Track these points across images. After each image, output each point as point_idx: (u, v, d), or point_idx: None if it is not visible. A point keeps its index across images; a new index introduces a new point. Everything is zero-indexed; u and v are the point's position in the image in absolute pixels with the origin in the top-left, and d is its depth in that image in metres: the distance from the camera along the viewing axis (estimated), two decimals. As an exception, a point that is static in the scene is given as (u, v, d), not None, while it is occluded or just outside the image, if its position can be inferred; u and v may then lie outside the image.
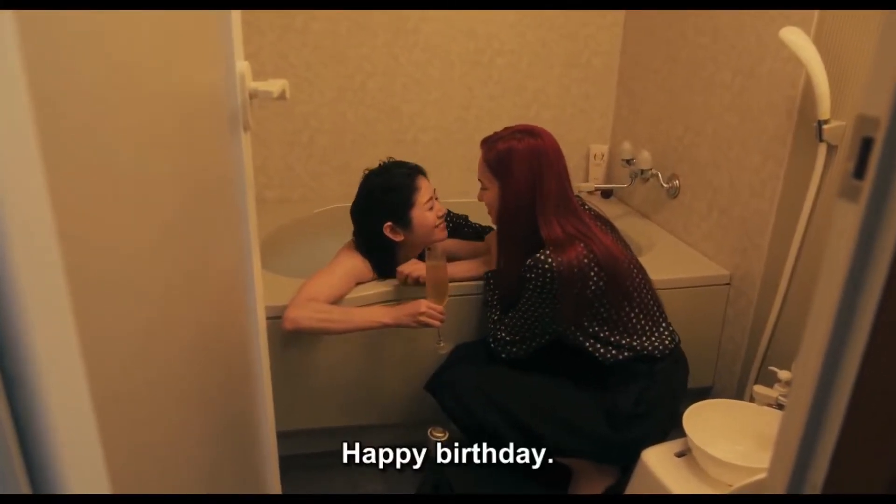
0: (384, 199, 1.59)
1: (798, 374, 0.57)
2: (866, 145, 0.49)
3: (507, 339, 1.49)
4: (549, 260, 1.37)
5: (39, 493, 0.45)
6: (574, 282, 1.38)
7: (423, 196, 1.58)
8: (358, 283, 1.65)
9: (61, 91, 0.46)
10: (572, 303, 1.40)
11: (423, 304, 1.49)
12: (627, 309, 1.45)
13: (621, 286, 1.43)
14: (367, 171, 1.65)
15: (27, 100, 0.39)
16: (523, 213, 1.43)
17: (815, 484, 0.59)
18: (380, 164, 1.65)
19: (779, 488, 0.62)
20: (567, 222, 1.42)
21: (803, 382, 0.54)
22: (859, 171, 0.50)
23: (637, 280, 1.48)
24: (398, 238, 1.61)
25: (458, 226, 1.83)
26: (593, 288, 1.40)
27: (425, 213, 1.58)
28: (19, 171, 0.39)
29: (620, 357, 1.45)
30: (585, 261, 1.38)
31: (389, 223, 1.59)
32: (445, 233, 1.67)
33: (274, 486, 1.19)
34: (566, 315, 1.43)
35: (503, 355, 1.52)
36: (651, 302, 1.50)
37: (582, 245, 1.39)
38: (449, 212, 1.81)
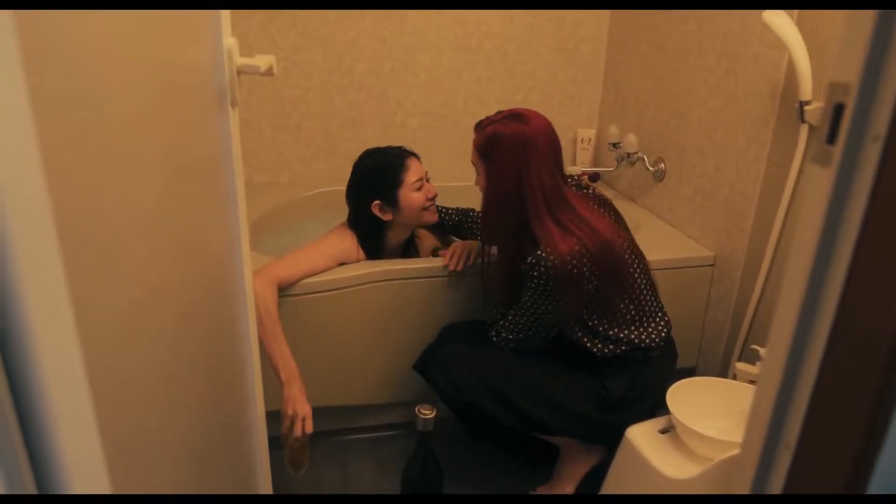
0: (373, 177, 1.62)
1: (773, 334, 0.58)
2: (838, 111, 0.51)
3: (511, 337, 1.50)
4: (551, 258, 1.34)
5: (35, 466, 0.45)
6: (571, 279, 1.36)
7: (411, 176, 1.59)
8: (341, 264, 1.67)
9: (52, 58, 0.46)
10: (573, 299, 1.40)
11: (304, 414, 1.42)
12: (619, 301, 1.45)
13: (615, 278, 1.42)
14: (362, 152, 1.69)
15: (20, 67, 0.40)
16: (508, 202, 1.39)
17: (789, 444, 0.61)
18: (375, 147, 1.68)
19: (754, 450, 0.64)
20: (561, 215, 1.38)
21: (779, 338, 0.56)
22: (831, 137, 0.52)
23: (633, 268, 1.47)
24: (387, 217, 1.63)
25: (457, 225, 1.82)
26: (588, 286, 1.39)
27: (412, 194, 1.60)
28: (11, 137, 0.40)
29: (618, 351, 1.46)
30: (577, 259, 1.35)
31: (378, 201, 1.62)
32: (436, 216, 1.68)
33: (263, 466, 1.20)
34: (568, 311, 1.43)
35: (505, 349, 1.52)
36: (647, 290, 1.50)
37: (575, 240, 1.35)
38: (446, 210, 1.81)
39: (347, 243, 1.68)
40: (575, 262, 1.34)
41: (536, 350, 1.51)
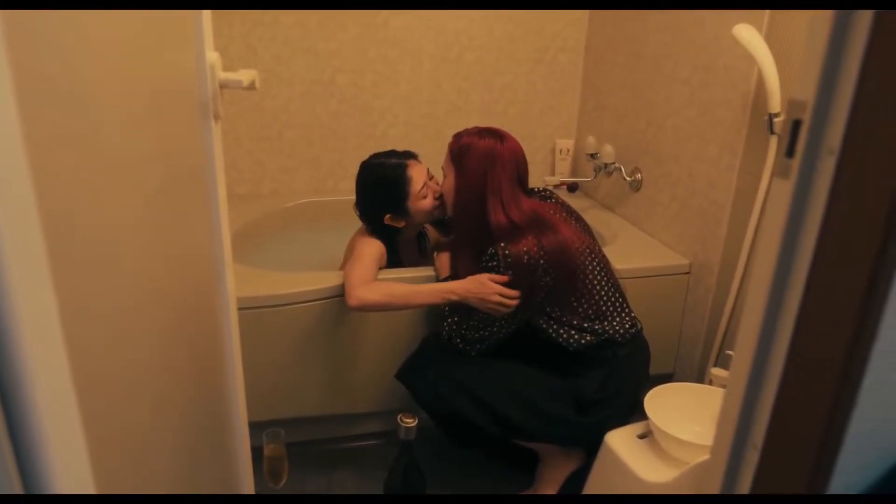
0: (379, 194, 1.65)
1: (740, 340, 0.61)
2: (796, 126, 0.54)
3: (478, 335, 1.53)
4: (507, 250, 1.43)
5: (21, 466, 0.46)
6: (526, 272, 1.44)
7: (415, 186, 1.63)
8: (380, 268, 1.69)
9: (43, 64, 0.47)
10: (528, 291, 1.46)
11: (494, 286, 1.45)
12: (574, 300, 1.50)
13: (570, 277, 1.48)
14: (361, 164, 1.70)
15: (9, 71, 0.41)
16: (473, 205, 1.51)
17: (756, 444, 0.63)
18: (371, 157, 1.70)
19: (724, 451, 0.66)
20: (520, 219, 1.47)
21: (745, 344, 0.59)
22: (790, 151, 0.55)
23: (590, 269, 1.53)
24: (400, 224, 1.67)
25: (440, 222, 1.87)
26: (543, 279, 1.45)
27: (420, 202, 1.64)
28: (1, 143, 0.41)
29: (583, 341, 1.50)
30: (532, 253, 1.44)
31: (389, 214, 1.65)
32: (444, 211, 1.69)
33: (246, 477, 1.20)
34: (526, 303, 1.48)
35: (473, 353, 1.55)
36: (607, 292, 1.55)
37: (531, 237, 1.45)
38: None
39: (379, 246, 1.69)
40: (529, 256, 1.43)
41: (502, 341, 1.54)
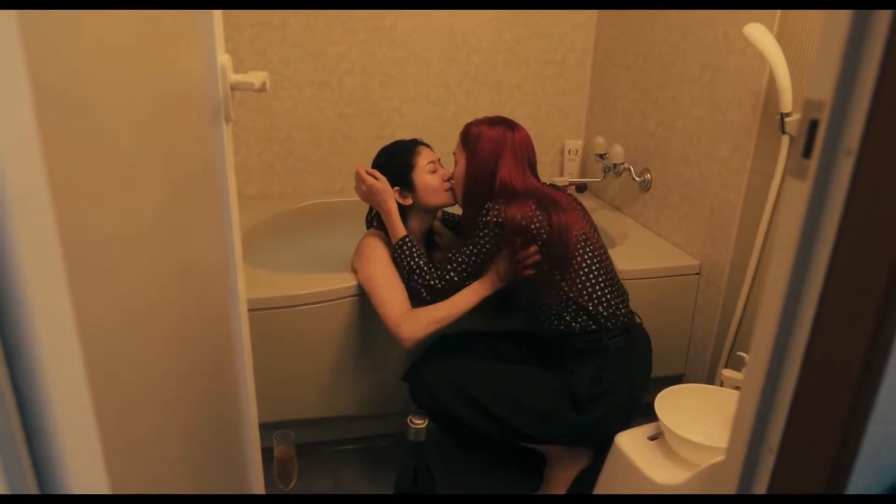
0: (388, 166, 1.68)
1: (755, 342, 0.61)
2: (813, 127, 0.53)
3: (448, 277, 1.56)
4: (505, 206, 1.48)
5: (38, 472, 0.47)
6: (519, 230, 1.47)
7: (423, 160, 1.66)
8: None
9: (58, 73, 0.47)
10: (517, 251, 1.50)
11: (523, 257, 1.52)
12: (560, 276, 1.51)
13: (560, 254, 1.50)
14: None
15: (27, 80, 0.41)
16: (482, 188, 1.55)
17: (772, 447, 0.63)
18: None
19: (739, 453, 0.66)
20: (518, 181, 1.53)
21: (761, 345, 0.58)
22: (807, 151, 0.54)
23: (580, 254, 1.53)
24: (407, 202, 1.68)
25: (455, 223, 1.88)
26: (537, 242, 1.48)
27: (426, 176, 1.66)
28: (18, 152, 0.41)
29: (566, 317, 1.52)
30: (530, 216, 1.48)
31: (397, 188, 1.66)
32: (452, 198, 1.70)
33: (257, 478, 1.21)
34: (512, 267, 1.52)
35: (433, 294, 1.57)
36: (598, 279, 1.54)
37: (533, 203, 1.49)
38: (445, 212, 1.86)
39: (383, 243, 1.69)
40: (527, 217, 1.48)
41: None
